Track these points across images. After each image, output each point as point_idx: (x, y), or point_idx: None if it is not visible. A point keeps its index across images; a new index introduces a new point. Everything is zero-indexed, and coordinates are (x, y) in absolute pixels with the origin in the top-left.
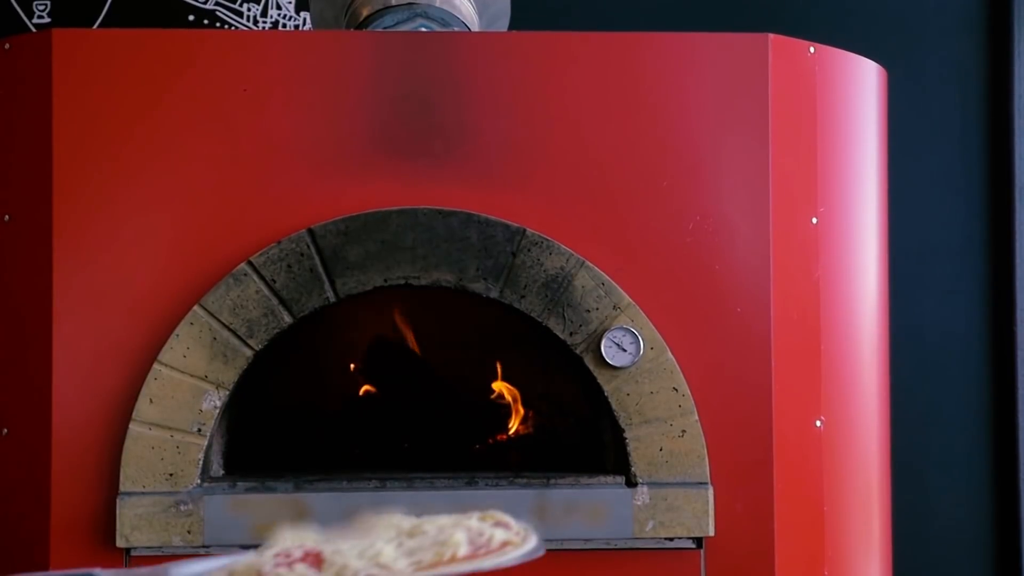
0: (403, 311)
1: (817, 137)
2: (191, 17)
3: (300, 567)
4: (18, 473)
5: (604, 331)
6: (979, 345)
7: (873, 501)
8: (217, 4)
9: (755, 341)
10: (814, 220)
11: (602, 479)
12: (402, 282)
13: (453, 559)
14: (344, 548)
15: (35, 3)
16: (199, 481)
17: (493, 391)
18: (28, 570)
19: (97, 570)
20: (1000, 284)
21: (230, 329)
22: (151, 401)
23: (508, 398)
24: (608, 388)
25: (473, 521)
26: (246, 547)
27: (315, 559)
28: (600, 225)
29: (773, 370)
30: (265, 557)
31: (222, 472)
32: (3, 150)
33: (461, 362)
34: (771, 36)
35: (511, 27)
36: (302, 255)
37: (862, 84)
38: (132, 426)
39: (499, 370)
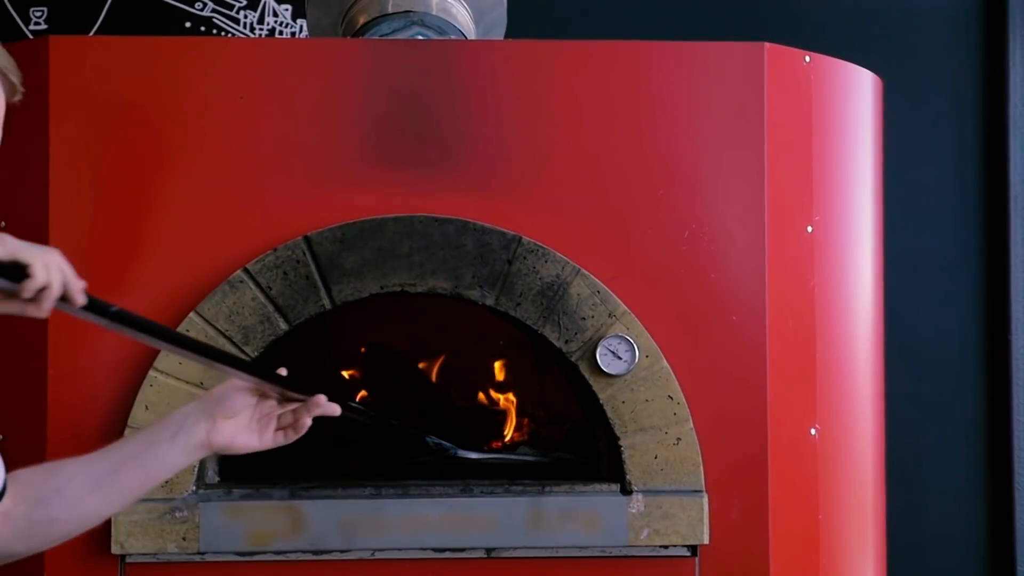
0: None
1: (812, 146)
2: (188, 24)
3: None
4: None
5: (599, 339)
6: (974, 354)
7: (868, 509)
8: (214, 11)
9: (750, 349)
10: (809, 228)
11: (597, 487)
12: (398, 289)
13: None
14: None
15: (32, 10)
16: (194, 488)
17: (489, 397)
18: None
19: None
20: (995, 292)
21: (226, 336)
22: (147, 408)
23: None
24: (603, 396)
25: None
26: (242, 554)
27: None
28: (596, 233)
29: (768, 378)
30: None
31: (217, 479)
32: None
33: (456, 368)
34: (767, 45)
35: (507, 35)
36: (298, 262)
37: (858, 93)
38: (128, 433)
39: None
